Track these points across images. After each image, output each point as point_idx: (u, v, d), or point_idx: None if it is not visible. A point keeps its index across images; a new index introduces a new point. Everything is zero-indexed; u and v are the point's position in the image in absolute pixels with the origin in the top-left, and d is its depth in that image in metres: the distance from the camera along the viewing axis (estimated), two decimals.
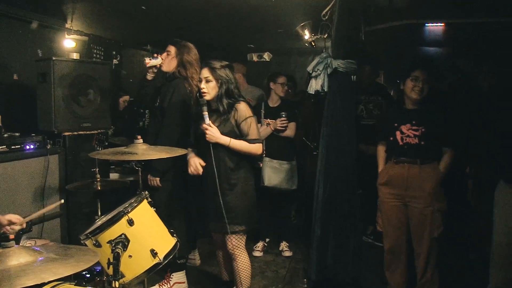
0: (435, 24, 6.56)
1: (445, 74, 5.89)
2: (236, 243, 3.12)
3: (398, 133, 3.23)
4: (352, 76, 3.25)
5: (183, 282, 3.78)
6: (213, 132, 2.98)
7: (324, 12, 3.18)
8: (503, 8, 4.77)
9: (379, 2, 4.56)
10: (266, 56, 5.66)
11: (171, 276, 3.73)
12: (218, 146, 3.01)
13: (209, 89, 3.02)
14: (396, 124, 3.26)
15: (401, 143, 3.23)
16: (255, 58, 5.55)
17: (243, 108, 3.05)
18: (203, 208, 3.30)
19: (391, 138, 3.28)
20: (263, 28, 5.43)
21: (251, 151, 3.05)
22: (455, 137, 3.20)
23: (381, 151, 3.47)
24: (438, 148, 3.20)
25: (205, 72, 3.03)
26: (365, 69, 4.63)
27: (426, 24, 6.53)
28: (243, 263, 3.16)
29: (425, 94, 3.17)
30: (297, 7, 4.00)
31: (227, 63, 3.08)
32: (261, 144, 3.11)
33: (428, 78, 3.15)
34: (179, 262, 3.74)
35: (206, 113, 2.98)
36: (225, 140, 3.00)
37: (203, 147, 3.08)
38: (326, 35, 3.39)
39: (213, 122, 3.03)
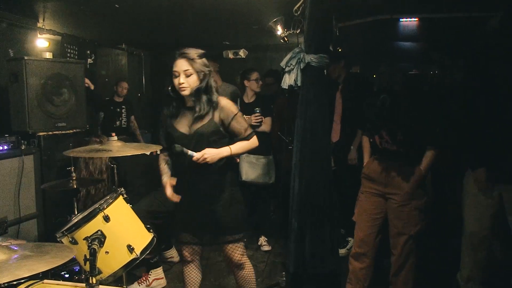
0: (409, 19, 6.69)
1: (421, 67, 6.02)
2: (242, 251, 2.94)
3: (377, 137, 3.27)
4: (325, 70, 3.29)
5: (162, 278, 3.82)
6: (212, 155, 2.64)
7: (296, 7, 3.21)
8: (474, 4, 4.89)
9: None
10: (242, 53, 5.67)
11: (150, 273, 3.75)
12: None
13: (190, 84, 2.64)
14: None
15: (380, 146, 3.26)
16: (230, 55, 5.56)
17: (228, 105, 2.76)
18: (174, 218, 2.96)
19: (371, 140, 3.33)
20: (238, 25, 5.47)
21: (251, 147, 2.84)
22: (437, 136, 3.18)
23: (366, 142, 3.48)
24: (418, 152, 3.18)
25: (183, 65, 2.63)
26: (339, 65, 4.67)
27: (400, 19, 6.65)
28: (250, 269, 3.03)
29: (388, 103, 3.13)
30: (269, 3, 4.04)
31: (202, 51, 2.72)
32: (255, 135, 2.86)
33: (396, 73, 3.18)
34: (152, 261, 3.77)
35: (191, 154, 2.62)
36: (226, 151, 2.71)
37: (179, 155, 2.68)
38: (299, 31, 3.42)
39: (189, 122, 2.71)
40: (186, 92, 2.65)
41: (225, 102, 2.76)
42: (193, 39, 6.36)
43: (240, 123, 2.76)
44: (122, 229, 2.53)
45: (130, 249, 2.45)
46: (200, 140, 2.68)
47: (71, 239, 2.37)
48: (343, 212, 4.41)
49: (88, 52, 5.97)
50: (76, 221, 2.42)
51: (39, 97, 3.85)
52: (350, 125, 4.34)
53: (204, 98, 2.68)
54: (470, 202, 3.09)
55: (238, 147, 2.76)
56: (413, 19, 6.67)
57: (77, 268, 3.32)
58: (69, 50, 5.56)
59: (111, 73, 7.02)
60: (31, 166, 3.80)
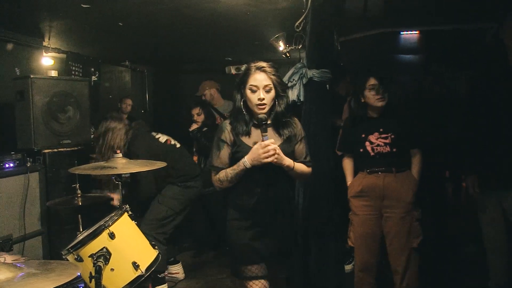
0: (410, 32, 6.74)
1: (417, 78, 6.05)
2: None
3: (367, 143, 3.19)
4: (327, 85, 3.32)
5: None
6: (280, 155, 2.36)
7: (297, 23, 3.25)
8: (474, 16, 4.93)
9: (354, 12, 4.68)
10: (244, 69, 5.72)
11: None
12: (274, 169, 2.41)
13: (269, 101, 2.40)
14: (363, 135, 3.20)
15: (372, 153, 3.18)
16: (233, 71, 5.60)
17: (300, 125, 2.60)
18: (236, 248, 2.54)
19: (361, 150, 3.23)
20: (240, 41, 5.52)
21: (307, 174, 2.61)
22: (423, 138, 3.22)
23: (347, 164, 3.41)
24: (407, 154, 3.19)
25: (263, 79, 2.38)
26: (346, 80, 4.70)
27: (401, 32, 6.70)
28: None
29: (387, 100, 3.15)
30: (271, 19, 4.09)
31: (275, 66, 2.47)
32: (311, 169, 2.62)
33: (384, 84, 3.16)
34: (159, 276, 3.75)
35: (266, 134, 2.34)
36: (290, 162, 2.42)
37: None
38: (301, 46, 3.46)
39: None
40: (264, 110, 2.39)
41: (297, 121, 2.59)
42: (196, 55, 6.44)
43: (305, 147, 2.58)
44: (127, 246, 2.54)
45: (135, 266, 2.45)
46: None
47: (76, 257, 2.37)
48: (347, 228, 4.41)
49: (92, 69, 6.02)
50: (81, 238, 2.44)
51: (44, 115, 3.88)
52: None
53: (284, 115, 2.50)
54: (481, 210, 3.13)
55: (298, 166, 2.50)
56: (414, 32, 6.72)
57: (82, 286, 3.31)
58: (73, 68, 5.61)
59: (115, 90, 7.08)
60: (36, 183, 3.82)
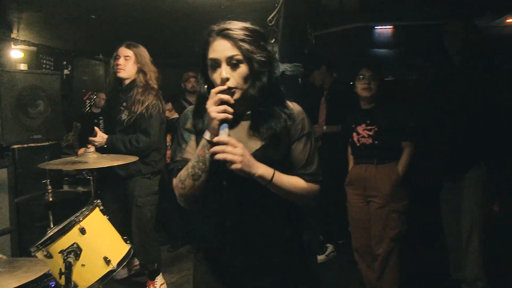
0: (384, 27, 6.84)
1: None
2: None
3: (354, 134, 3.32)
4: (299, 79, 3.34)
5: (164, 283, 3.79)
6: (247, 160, 1.51)
7: (270, 17, 3.26)
8: (445, 11, 5.03)
9: (330, 7, 4.72)
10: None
11: (155, 280, 3.70)
12: (245, 183, 1.59)
13: (238, 81, 1.58)
14: (353, 126, 3.33)
15: (358, 144, 3.30)
16: None
17: (301, 115, 1.73)
18: None
19: (350, 140, 3.38)
20: None
21: (303, 195, 1.71)
22: (412, 132, 3.26)
23: (349, 151, 3.54)
24: (395, 147, 3.24)
25: (227, 48, 1.57)
26: (322, 70, 4.72)
27: (375, 27, 6.79)
28: None
29: (374, 92, 3.23)
30: (245, 13, 4.08)
31: (258, 28, 1.67)
32: (318, 186, 1.78)
33: (374, 75, 3.23)
34: (155, 268, 3.71)
35: (226, 130, 1.50)
36: (265, 172, 1.57)
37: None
38: (274, 40, 3.47)
39: (245, 139, 1.64)
40: (234, 96, 1.57)
41: (297, 109, 1.74)
42: (171, 49, 6.38)
43: (309, 150, 1.73)
44: (99, 241, 2.51)
45: (107, 261, 2.43)
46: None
47: (46, 253, 2.34)
48: (321, 219, 4.46)
49: (65, 63, 5.93)
50: (51, 235, 2.40)
51: (13, 109, 3.80)
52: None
53: (273, 105, 1.67)
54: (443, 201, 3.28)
55: (286, 180, 1.64)
56: (387, 27, 6.82)
57: (53, 284, 3.27)
58: (44, 61, 5.51)
59: (88, 83, 6.98)
60: (5, 180, 3.74)
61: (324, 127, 4.47)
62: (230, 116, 1.49)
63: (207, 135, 1.56)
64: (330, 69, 4.77)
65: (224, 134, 1.47)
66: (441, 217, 3.38)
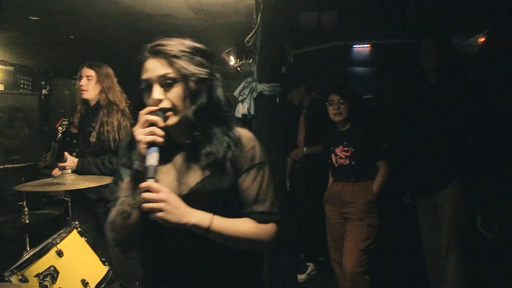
0: (361, 46, 6.98)
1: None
2: None
3: (333, 155, 3.41)
4: (277, 99, 3.39)
5: None
6: (165, 201, 1.29)
7: (247, 38, 3.31)
8: (420, 30, 5.18)
9: (308, 25, 4.81)
10: None
11: None
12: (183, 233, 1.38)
13: (176, 103, 1.41)
14: (332, 147, 3.43)
15: (336, 165, 3.40)
16: None
17: (251, 141, 1.52)
18: None
19: (329, 161, 3.46)
20: None
21: (254, 240, 1.44)
22: (385, 151, 3.36)
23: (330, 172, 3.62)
24: (371, 166, 3.33)
25: (158, 66, 1.43)
26: (301, 89, 4.80)
27: (353, 46, 6.93)
28: None
29: (345, 115, 3.32)
30: (223, 34, 4.15)
31: (197, 45, 1.52)
32: (275, 226, 1.49)
33: (343, 99, 3.32)
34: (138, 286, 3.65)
35: (155, 154, 1.33)
36: (200, 219, 1.35)
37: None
38: (251, 60, 3.52)
39: (178, 174, 1.45)
40: (170, 121, 1.40)
41: (246, 135, 1.52)
42: None
43: (262, 184, 1.47)
44: (76, 263, 2.49)
45: (85, 283, 2.42)
46: (200, 205, 1.38)
47: (21, 277, 2.30)
48: (301, 237, 4.48)
49: (43, 83, 5.88)
50: (27, 258, 2.37)
51: None
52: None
53: (214, 129, 1.46)
54: (420, 215, 3.31)
55: (230, 225, 1.39)
56: (365, 46, 6.97)
57: None
58: (22, 81, 5.46)
59: (67, 103, 6.93)
60: None
61: (304, 149, 4.53)
62: (160, 139, 1.32)
63: (135, 164, 1.35)
64: (308, 88, 4.85)
65: (152, 160, 1.29)
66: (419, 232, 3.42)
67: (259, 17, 3.20)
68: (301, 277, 4.38)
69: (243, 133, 1.51)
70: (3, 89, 4.17)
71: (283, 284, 3.51)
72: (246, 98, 3.33)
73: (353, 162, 3.30)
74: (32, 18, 3.68)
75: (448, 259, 3.07)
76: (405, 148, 3.33)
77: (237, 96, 3.36)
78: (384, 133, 3.53)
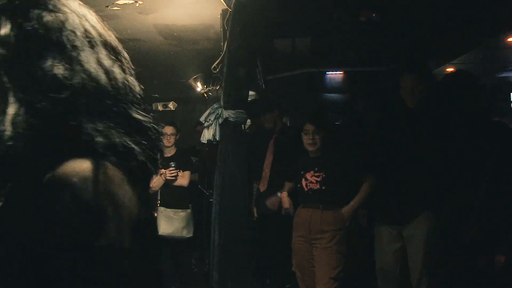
0: (335, 72, 7.12)
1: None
2: None
3: (303, 180, 3.42)
4: (243, 125, 3.43)
5: None
6: None
7: (214, 65, 3.36)
8: (392, 59, 5.34)
9: (282, 51, 4.90)
10: (171, 105, 5.77)
11: None
12: None
13: None
14: (302, 172, 3.44)
15: (305, 189, 3.40)
16: (160, 108, 5.63)
17: None
18: None
19: (299, 185, 3.46)
20: (165, 79, 5.58)
21: None
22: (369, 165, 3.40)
23: (284, 197, 3.64)
24: (340, 192, 3.37)
25: None
26: (274, 113, 4.83)
27: (326, 72, 7.07)
28: None
29: (319, 144, 3.36)
30: (192, 60, 4.21)
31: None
32: None
33: (318, 129, 3.36)
34: None
35: None
36: None
37: None
38: (218, 87, 3.56)
39: None
40: None
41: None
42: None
43: None
44: None
45: None
46: None
47: None
48: (267, 263, 4.47)
49: None
50: None
51: None
52: (279, 175, 4.42)
53: None
54: (377, 241, 3.31)
55: None
56: (338, 72, 7.12)
57: None
58: None
59: None
60: None
61: (279, 194, 4.42)
62: None
63: None
64: (281, 113, 4.90)
65: None
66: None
67: (225, 45, 3.26)
68: None
69: None
70: None
71: None
72: (212, 124, 3.36)
73: (323, 187, 3.33)
74: None
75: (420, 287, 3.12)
76: (375, 172, 3.35)
77: (203, 122, 3.39)
78: (357, 154, 3.57)
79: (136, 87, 0.82)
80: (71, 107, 0.69)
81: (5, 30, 0.74)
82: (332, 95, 7.70)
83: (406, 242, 3.17)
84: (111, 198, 0.67)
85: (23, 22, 0.74)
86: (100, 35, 0.78)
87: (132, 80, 0.81)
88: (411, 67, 3.37)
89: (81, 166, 0.67)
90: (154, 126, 0.80)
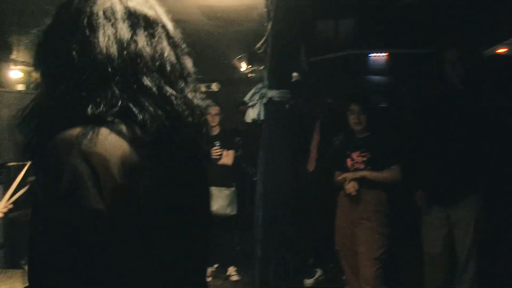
0: (378, 54, 7.00)
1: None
2: None
3: (349, 160, 3.47)
4: (286, 105, 3.46)
5: None
6: None
7: (258, 45, 3.39)
8: (438, 40, 5.19)
9: (325, 33, 4.87)
10: (214, 87, 5.83)
11: None
12: None
13: None
14: (348, 152, 3.49)
15: (351, 169, 3.45)
16: (203, 89, 5.70)
17: None
18: None
19: (344, 165, 3.50)
20: (209, 60, 5.63)
21: None
22: (399, 157, 3.39)
23: (338, 176, 3.64)
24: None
25: None
26: (317, 96, 4.86)
27: (369, 54, 6.95)
28: None
29: (365, 124, 3.41)
30: (236, 40, 4.24)
31: None
32: None
33: (364, 109, 3.41)
34: None
35: None
36: None
37: None
38: (262, 67, 3.59)
39: None
40: None
41: None
42: None
43: None
44: None
45: None
46: None
47: None
48: (310, 242, 4.52)
49: None
50: None
51: (10, 128, 3.91)
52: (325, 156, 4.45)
53: None
54: (424, 225, 3.28)
55: None
56: (382, 54, 6.98)
57: None
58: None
59: None
60: (0, 196, 3.82)
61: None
62: None
63: None
64: (325, 95, 4.91)
65: None
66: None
67: (269, 25, 3.28)
68: (309, 281, 4.42)
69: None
70: (24, 89, 4.31)
71: (289, 287, 3.56)
72: (256, 104, 3.40)
73: (369, 167, 3.37)
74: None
75: (466, 271, 3.09)
76: (423, 153, 3.30)
77: (248, 101, 3.44)
78: (400, 140, 3.57)
79: (172, 56, 0.92)
80: (83, 82, 0.81)
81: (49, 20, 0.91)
82: (375, 77, 7.57)
83: (453, 226, 3.15)
84: (90, 160, 0.75)
85: (61, 12, 0.90)
86: (129, 9, 0.88)
87: (161, 49, 0.90)
88: (457, 42, 3.30)
89: (69, 132, 0.78)
90: (182, 97, 0.89)
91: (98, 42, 0.83)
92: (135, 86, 0.83)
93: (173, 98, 0.87)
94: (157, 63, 0.88)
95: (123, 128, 0.81)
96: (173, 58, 0.92)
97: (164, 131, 0.83)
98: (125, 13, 0.88)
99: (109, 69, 0.82)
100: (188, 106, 0.91)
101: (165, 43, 0.92)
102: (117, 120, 0.81)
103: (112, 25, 0.85)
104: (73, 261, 0.75)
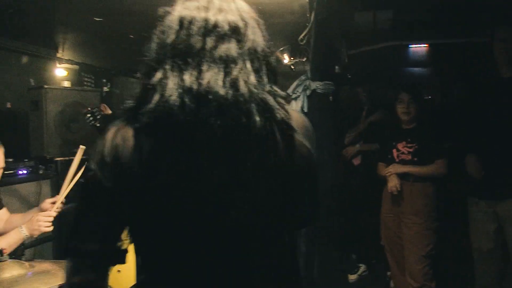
0: (418, 45, 6.83)
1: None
2: None
3: (394, 150, 3.43)
4: (330, 97, 3.41)
5: None
6: None
7: (301, 36, 3.35)
8: (479, 30, 5.01)
9: (363, 25, 4.78)
10: None
11: None
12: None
13: None
14: (394, 143, 3.46)
15: (397, 160, 3.41)
16: None
17: None
18: None
19: (389, 156, 3.47)
20: None
21: None
22: (443, 150, 3.36)
23: (382, 168, 3.60)
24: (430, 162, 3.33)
25: None
26: (357, 88, 4.82)
27: (409, 45, 6.79)
28: None
29: (413, 114, 3.38)
30: (278, 32, 4.20)
31: None
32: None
33: (413, 99, 3.35)
34: None
35: None
36: None
37: None
38: (305, 59, 3.55)
39: None
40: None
41: None
42: None
43: None
44: None
45: None
46: None
47: None
48: (354, 238, 4.47)
49: (104, 80, 6.17)
50: None
51: (57, 124, 4.01)
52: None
53: None
54: (472, 220, 3.15)
55: None
56: (422, 45, 6.81)
57: None
58: (86, 79, 5.76)
59: (126, 100, 7.21)
60: (48, 190, 3.93)
61: (357, 146, 4.51)
62: None
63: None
64: (366, 87, 4.85)
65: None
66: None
67: (312, 15, 3.24)
68: (352, 277, 4.37)
69: None
70: (69, 86, 4.41)
71: (333, 283, 3.52)
72: (300, 96, 3.37)
73: (415, 159, 3.31)
74: (96, 19, 3.89)
75: None
76: (473, 148, 3.18)
77: (291, 94, 3.41)
78: (448, 132, 3.48)
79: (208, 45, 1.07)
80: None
81: None
82: (415, 69, 7.41)
83: (503, 222, 3.01)
84: (112, 150, 1.04)
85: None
86: (192, 17, 1.08)
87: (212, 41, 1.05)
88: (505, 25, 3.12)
89: (110, 128, 1.12)
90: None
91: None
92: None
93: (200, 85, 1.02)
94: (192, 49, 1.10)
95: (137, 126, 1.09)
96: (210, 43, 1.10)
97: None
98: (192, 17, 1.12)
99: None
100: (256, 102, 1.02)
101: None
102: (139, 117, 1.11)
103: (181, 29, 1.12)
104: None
